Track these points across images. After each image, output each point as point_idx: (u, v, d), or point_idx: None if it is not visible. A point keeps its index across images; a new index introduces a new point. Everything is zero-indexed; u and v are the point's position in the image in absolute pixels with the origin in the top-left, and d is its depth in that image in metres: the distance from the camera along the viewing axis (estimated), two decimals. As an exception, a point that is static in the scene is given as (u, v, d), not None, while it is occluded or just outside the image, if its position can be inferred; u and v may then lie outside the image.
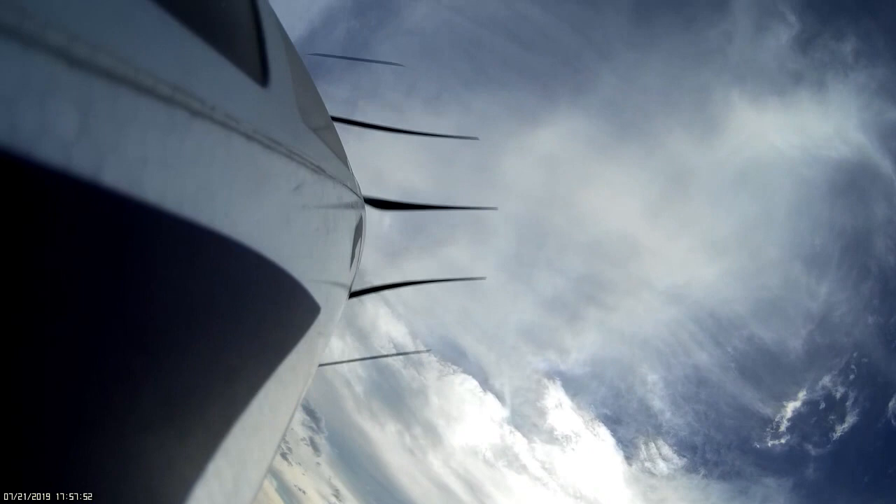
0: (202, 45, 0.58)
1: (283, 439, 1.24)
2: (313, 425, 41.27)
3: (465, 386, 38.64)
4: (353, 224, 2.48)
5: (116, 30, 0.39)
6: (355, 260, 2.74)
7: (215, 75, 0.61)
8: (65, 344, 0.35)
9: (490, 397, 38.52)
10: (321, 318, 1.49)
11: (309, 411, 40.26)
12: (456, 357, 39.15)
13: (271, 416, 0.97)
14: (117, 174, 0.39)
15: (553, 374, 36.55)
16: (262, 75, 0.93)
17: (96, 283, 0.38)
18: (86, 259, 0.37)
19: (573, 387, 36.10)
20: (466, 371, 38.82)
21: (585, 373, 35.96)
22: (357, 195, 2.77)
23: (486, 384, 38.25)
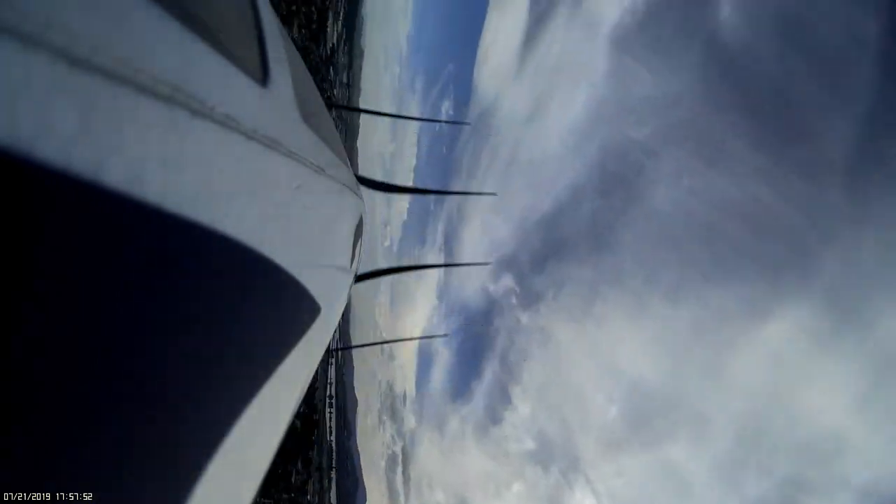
0: (202, 45, 0.58)
1: (283, 439, 1.24)
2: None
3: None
4: (354, 224, 2.48)
5: (116, 30, 0.39)
6: (355, 259, 2.74)
7: (215, 75, 0.61)
8: (65, 344, 0.35)
9: None
10: (321, 317, 1.49)
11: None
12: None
13: (271, 416, 0.97)
14: (117, 174, 0.39)
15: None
16: (262, 75, 0.93)
17: (96, 282, 0.38)
18: (86, 259, 0.37)
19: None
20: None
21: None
22: (357, 195, 2.77)
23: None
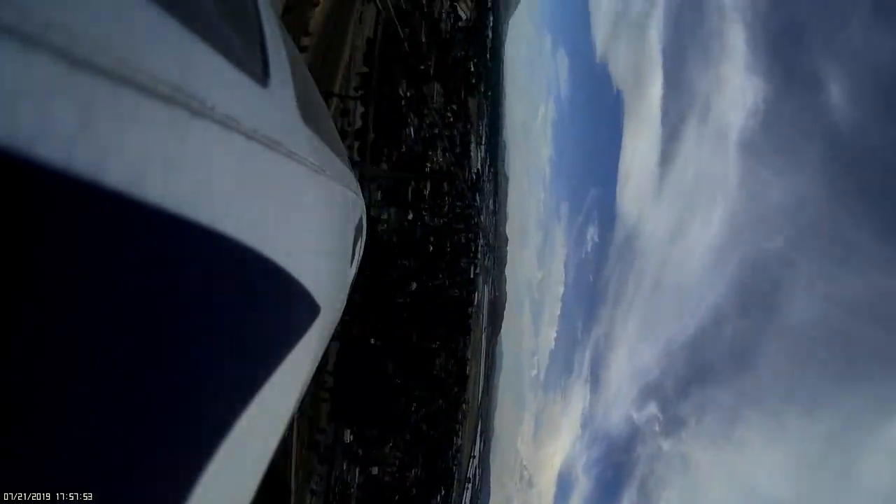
0: (202, 45, 0.58)
1: (283, 439, 1.24)
2: None
3: None
4: (353, 224, 2.48)
5: (116, 30, 0.39)
6: (355, 260, 2.74)
7: (215, 75, 0.61)
8: (65, 344, 0.35)
9: None
10: (321, 318, 1.49)
11: None
12: None
13: (271, 416, 0.97)
14: (117, 174, 0.39)
15: None
16: (262, 75, 0.93)
17: (96, 283, 0.38)
18: (86, 259, 0.37)
19: None
20: None
21: None
22: (357, 195, 2.77)
23: None
